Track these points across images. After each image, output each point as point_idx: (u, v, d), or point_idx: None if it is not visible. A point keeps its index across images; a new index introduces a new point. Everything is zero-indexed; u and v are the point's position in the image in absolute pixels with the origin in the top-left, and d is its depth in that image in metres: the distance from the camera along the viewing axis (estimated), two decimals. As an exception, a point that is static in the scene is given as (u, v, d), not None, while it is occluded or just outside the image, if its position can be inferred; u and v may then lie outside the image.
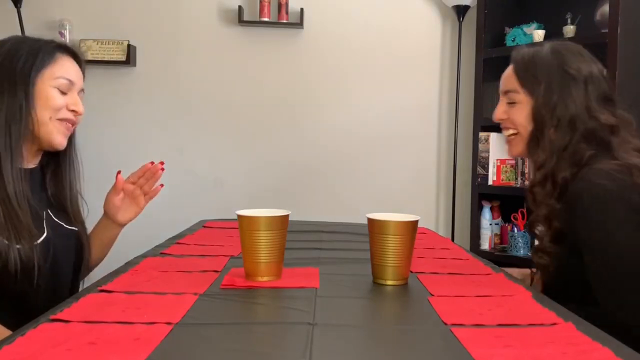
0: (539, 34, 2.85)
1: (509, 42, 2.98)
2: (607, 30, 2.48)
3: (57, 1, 3.24)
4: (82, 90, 1.44)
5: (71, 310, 0.96)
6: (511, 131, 1.43)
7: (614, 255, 1.23)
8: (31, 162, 1.40)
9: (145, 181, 1.54)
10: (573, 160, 1.32)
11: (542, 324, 0.95)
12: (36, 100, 1.33)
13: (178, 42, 3.28)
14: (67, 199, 1.46)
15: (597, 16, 2.66)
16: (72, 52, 1.43)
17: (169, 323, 0.91)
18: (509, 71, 1.44)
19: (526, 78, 1.38)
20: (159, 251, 1.49)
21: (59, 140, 1.38)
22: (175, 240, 1.67)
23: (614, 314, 1.18)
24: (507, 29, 3.03)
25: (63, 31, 3.15)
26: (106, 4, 3.26)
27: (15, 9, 3.06)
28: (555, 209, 1.33)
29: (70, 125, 1.41)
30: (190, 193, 3.28)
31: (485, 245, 3.01)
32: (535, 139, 1.37)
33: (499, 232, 3.03)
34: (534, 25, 2.91)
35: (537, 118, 1.36)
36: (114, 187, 1.52)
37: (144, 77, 3.27)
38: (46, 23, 3.20)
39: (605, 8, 2.55)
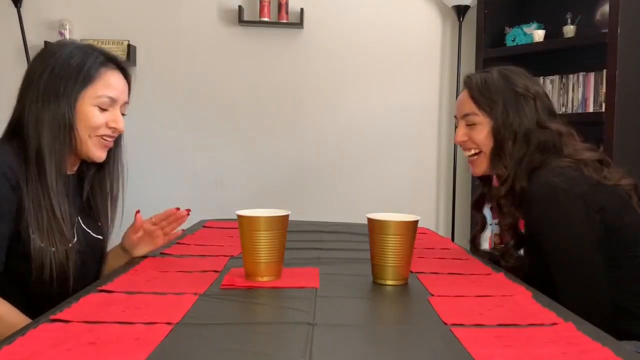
0: (539, 34, 2.85)
1: (509, 42, 2.98)
2: (607, 30, 2.48)
3: (57, 1, 3.24)
4: (126, 102, 1.43)
5: (71, 310, 0.96)
6: (473, 151, 1.53)
7: (565, 249, 1.34)
8: (70, 169, 1.41)
9: (168, 224, 1.52)
10: (529, 169, 1.44)
11: (542, 324, 0.95)
12: (77, 117, 1.34)
13: (178, 42, 3.28)
14: (106, 202, 1.48)
15: (597, 16, 2.66)
16: (120, 66, 1.42)
17: (169, 323, 0.91)
18: (465, 96, 1.53)
19: (483, 101, 1.49)
20: (159, 251, 1.49)
21: (98, 155, 1.40)
22: (176, 240, 1.66)
23: (569, 304, 1.16)
24: (507, 29, 3.03)
25: (63, 31, 3.15)
26: (106, 4, 3.26)
27: (15, 9, 3.06)
28: (517, 216, 1.48)
29: (110, 140, 1.41)
30: (190, 193, 3.28)
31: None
32: (497, 155, 1.48)
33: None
34: (534, 25, 2.91)
35: (498, 135, 1.47)
36: (133, 226, 1.50)
37: (143, 77, 3.27)
38: (46, 23, 3.21)
39: (605, 8, 2.55)
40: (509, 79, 1.49)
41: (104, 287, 1.11)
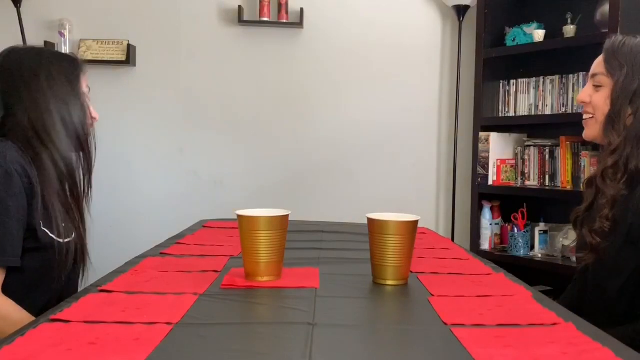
0: (539, 34, 2.85)
1: (509, 42, 2.98)
2: (607, 30, 2.47)
3: (57, 1, 3.24)
4: None
5: (71, 310, 0.96)
6: (589, 115, 1.46)
7: None
8: None
9: None
10: None
11: (542, 324, 0.95)
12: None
13: (178, 42, 3.28)
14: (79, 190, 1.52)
15: (597, 16, 2.66)
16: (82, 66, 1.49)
17: (169, 323, 0.91)
18: (600, 57, 1.46)
19: (611, 62, 1.41)
20: (159, 251, 1.49)
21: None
22: (175, 240, 1.67)
23: None
24: (507, 29, 3.03)
25: (63, 31, 3.15)
26: (106, 4, 3.26)
27: (15, 9, 3.06)
28: (621, 193, 1.35)
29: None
30: (190, 193, 3.28)
31: (485, 245, 3.01)
32: (611, 121, 1.39)
33: (499, 232, 3.03)
34: (534, 25, 2.91)
35: (615, 100, 1.38)
36: None
37: (144, 77, 3.27)
38: (46, 23, 3.20)
39: (605, 8, 2.55)
40: None
41: (104, 287, 1.11)
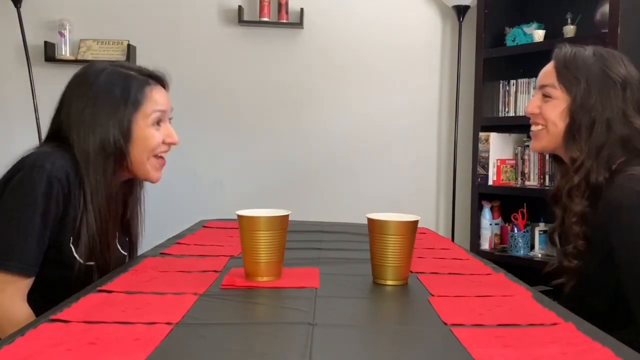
0: (539, 34, 2.85)
1: (509, 42, 2.99)
2: (607, 30, 2.48)
3: (57, 1, 3.24)
4: (171, 109, 1.45)
5: (71, 310, 0.96)
6: (540, 127, 1.44)
7: None
8: (116, 187, 1.40)
9: None
10: (607, 164, 1.33)
11: (542, 324, 0.95)
12: (134, 140, 1.34)
13: (178, 42, 3.28)
14: (137, 218, 1.51)
15: (597, 16, 2.66)
16: (160, 79, 1.44)
17: (169, 323, 0.90)
18: (549, 67, 1.43)
19: (565, 75, 1.38)
20: (159, 251, 1.49)
21: (157, 177, 1.42)
22: (175, 240, 1.66)
23: None
24: (507, 29, 3.03)
25: (63, 31, 3.15)
26: (106, 4, 3.26)
27: (15, 9, 3.06)
28: (586, 210, 1.34)
29: (164, 157, 1.44)
30: (190, 193, 3.28)
31: (485, 245, 3.01)
32: (572, 137, 1.37)
33: (499, 232, 3.03)
34: (534, 25, 2.91)
35: (574, 116, 1.36)
36: None
37: (144, 77, 3.27)
38: (46, 23, 3.20)
39: (605, 8, 2.55)
40: (603, 60, 1.37)
41: (104, 287, 1.11)
